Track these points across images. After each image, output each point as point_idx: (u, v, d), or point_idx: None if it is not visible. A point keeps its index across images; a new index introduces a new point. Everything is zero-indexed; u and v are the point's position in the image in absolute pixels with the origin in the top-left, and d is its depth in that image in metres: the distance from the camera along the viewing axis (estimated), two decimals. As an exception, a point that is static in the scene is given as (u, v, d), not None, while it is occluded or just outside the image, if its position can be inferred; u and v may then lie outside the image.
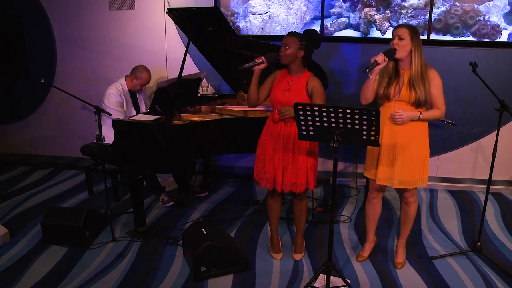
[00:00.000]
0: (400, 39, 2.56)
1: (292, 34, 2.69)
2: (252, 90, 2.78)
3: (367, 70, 2.54)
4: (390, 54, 2.56)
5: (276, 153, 2.76)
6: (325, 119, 2.28)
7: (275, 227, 3.11)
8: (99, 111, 3.19)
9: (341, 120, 2.25)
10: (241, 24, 4.38)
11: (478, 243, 3.10)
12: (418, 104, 2.57)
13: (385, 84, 2.63)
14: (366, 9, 4.14)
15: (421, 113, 2.59)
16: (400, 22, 4.10)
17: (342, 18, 4.21)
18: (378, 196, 2.93)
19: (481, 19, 3.99)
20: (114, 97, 3.80)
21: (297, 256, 3.07)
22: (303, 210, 3.01)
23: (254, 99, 2.80)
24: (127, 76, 3.94)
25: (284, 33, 4.30)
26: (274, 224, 3.09)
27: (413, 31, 2.57)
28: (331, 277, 2.57)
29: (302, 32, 2.77)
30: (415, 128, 2.64)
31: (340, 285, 2.63)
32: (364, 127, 2.25)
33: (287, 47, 2.64)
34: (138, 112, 3.99)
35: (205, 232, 2.90)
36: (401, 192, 2.84)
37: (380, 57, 2.51)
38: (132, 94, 3.98)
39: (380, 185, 2.81)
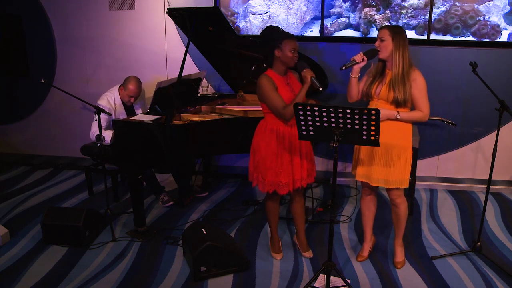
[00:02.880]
0: (381, 40, 2.59)
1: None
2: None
3: (343, 68, 2.60)
4: (370, 54, 2.61)
5: (291, 155, 2.75)
6: (325, 119, 2.28)
7: (276, 228, 3.11)
8: (99, 111, 3.19)
9: (341, 120, 2.25)
10: (241, 24, 4.38)
11: (478, 243, 3.10)
12: (397, 104, 2.58)
13: (368, 83, 2.69)
14: (366, 9, 4.14)
15: (398, 113, 2.59)
16: (400, 22, 4.10)
17: (342, 18, 4.21)
18: (370, 194, 2.95)
19: (481, 19, 3.99)
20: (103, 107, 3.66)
21: (309, 254, 3.08)
22: (303, 207, 3.06)
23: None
24: (121, 86, 3.87)
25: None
26: (275, 225, 3.09)
27: (394, 31, 2.57)
28: (331, 277, 2.57)
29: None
30: (397, 128, 2.64)
31: (340, 285, 2.63)
32: (364, 127, 2.25)
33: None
34: None
35: (205, 232, 2.90)
36: (387, 193, 2.84)
37: (359, 57, 2.59)
38: (126, 106, 3.90)
39: (368, 184, 2.84)
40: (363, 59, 2.59)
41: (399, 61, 2.55)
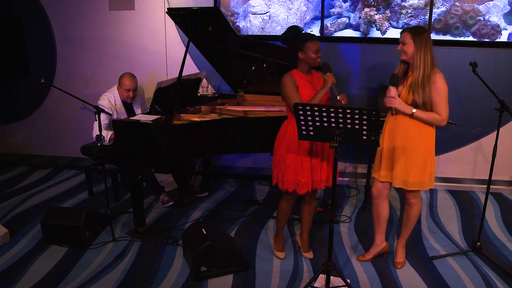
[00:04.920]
0: (404, 44, 2.58)
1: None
2: None
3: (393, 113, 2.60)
4: (394, 80, 2.60)
5: (311, 155, 2.74)
6: (325, 119, 2.28)
7: (283, 228, 3.09)
8: (99, 111, 3.19)
9: (341, 120, 2.25)
10: (241, 24, 4.38)
11: (478, 243, 3.10)
12: (415, 107, 2.57)
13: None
14: (366, 9, 4.14)
15: (415, 110, 2.55)
16: (400, 22, 4.10)
17: (342, 18, 4.21)
18: (379, 198, 2.90)
19: (481, 19, 3.99)
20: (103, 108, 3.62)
21: (310, 255, 3.09)
22: (313, 209, 3.06)
23: None
24: (117, 85, 3.85)
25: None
26: (284, 224, 3.07)
27: (415, 33, 2.54)
28: (331, 277, 2.57)
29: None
30: (418, 131, 2.62)
31: (340, 285, 2.63)
32: (364, 127, 2.25)
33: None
34: None
35: (205, 232, 2.90)
36: (403, 193, 2.83)
37: (393, 94, 2.57)
38: (126, 105, 3.88)
39: (381, 187, 2.82)
40: (394, 93, 2.60)
41: (420, 63, 2.53)
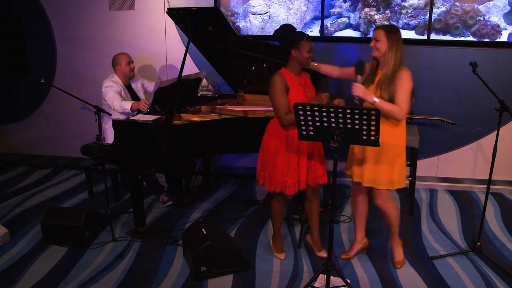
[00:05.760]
0: (376, 40, 2.61)
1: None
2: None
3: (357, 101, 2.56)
4: (359, 68, 2.61)
5: (298, 156, 2.74)
6: (325, 119, 2.28)
7: (280, 228, 3.10)
8: (99, 111, 3.19)
9: (341, 120, 2.25)
10: (241, 24, 4.38)
11: (478, 243, 3.10)
12: None
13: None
14: (366, 9, 4.14)
15: (376, 99, 2.51)
16: (400, 22, 4.10)
17: (342, 18, 4.21)
18: (358, 195, 2.95)
19: (481, 19, 3.99)
20: (112, 89, 3.70)
21: (323, 253, 3.08)
22: (318, 207, 3.07)
23: None
24: (114, 70, 3.85)
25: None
26: (279, 225, 3.08)
27: (389, 31, 2.58)
28: (331, 277, 2.57)
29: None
30: (388, 129, 2.62)
31: (340, 285, 2.63)
32: (364, 127, 2.25)
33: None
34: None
35: (205, 232, 2.90)
36: (374, 199, 2.82)
37: (355, 87, 2.53)
38: (128, 88, 3.92)
39: (358, 185, 2.86)
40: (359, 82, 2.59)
41: (391, 61, 2.56)
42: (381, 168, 2.68)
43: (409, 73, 2.57)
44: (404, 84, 2.54)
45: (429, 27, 4.06)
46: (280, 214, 3.01)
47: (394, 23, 4.11)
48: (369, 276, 2.87)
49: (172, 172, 4.08)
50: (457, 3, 3.98)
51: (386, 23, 4.11)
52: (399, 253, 3.00)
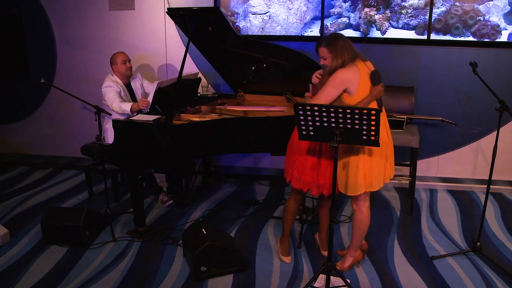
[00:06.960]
0: (324, 59, 2.59)
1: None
2: None
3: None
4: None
5: (327, 157, 2.72)
6: (325, 119, 2.28)
7: (290, 229, 3.07)
8: (99, 111, 3.19)
9: (341, 120, 2.25)
10: (241, 24, 4.38)
11: (478, 243, 3.10)
12: None
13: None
14: (366, 9, 4.14)
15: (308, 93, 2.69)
16: (400, 22, 4.10)
17: (342, 18, 4.21)
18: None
19: (481, 19, 3.99)
20: (111, 89, 3.70)
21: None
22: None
23: None
24: (112, 70, 3.85)
25: (284, 33, 4.30)
26: (291, 225, 3.05)
27: (330, 44, 2.55)
28: (331, 277, 2.57)
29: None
30: None
31: (340, 285, 2.63)
32: (364, 127, 2.25)
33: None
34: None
35: (205, 232, 2.90)
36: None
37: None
38: (128, 88, 3.91)
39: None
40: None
41: (335, 66, 2.54)
42: (348, 171, 2.63)
43: (344, 71, 2.50)
44: (330, 79, 2.51)
45: (429, 27, 4.06)
46: (294, 214, 3.00)
47: (394, 23, 4.11)
48: (369, 276, 2.87)
49: (172, 172, 4.08)
50: (457, 3, 3.98)
51: (386, 23, 4.11)
52: (344, 260, 2.92)
